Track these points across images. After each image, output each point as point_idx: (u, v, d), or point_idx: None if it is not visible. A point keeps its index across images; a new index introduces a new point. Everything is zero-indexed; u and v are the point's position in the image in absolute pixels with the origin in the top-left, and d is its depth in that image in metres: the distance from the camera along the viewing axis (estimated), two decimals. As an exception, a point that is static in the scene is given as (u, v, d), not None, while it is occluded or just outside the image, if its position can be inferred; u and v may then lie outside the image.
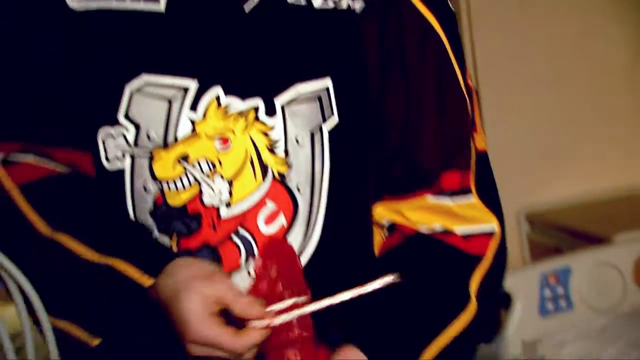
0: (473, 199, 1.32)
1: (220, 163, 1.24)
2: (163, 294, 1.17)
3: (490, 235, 1.33)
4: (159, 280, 1.18)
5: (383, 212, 1.35)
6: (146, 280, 1.19)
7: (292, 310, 1.17)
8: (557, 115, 3.08)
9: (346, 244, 1.32)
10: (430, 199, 1.32)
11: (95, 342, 1.22)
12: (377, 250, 1.36)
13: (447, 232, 1.32)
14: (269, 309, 1.17)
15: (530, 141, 3.06)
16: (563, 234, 2.96)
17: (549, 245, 2.99)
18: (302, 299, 1.18)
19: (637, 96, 3.13)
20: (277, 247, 1.25)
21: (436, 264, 1.29)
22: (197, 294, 1.14)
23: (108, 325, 1.22)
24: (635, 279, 2.69)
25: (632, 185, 3.11)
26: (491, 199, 1.35)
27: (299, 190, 1.27)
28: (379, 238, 1.37)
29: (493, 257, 1.31)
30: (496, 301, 1.36)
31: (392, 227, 1.36)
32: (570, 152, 3.10)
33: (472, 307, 1.29)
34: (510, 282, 2.64)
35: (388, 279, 1.10)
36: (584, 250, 2.73)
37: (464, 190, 1.32)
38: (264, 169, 1.26)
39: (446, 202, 1.32)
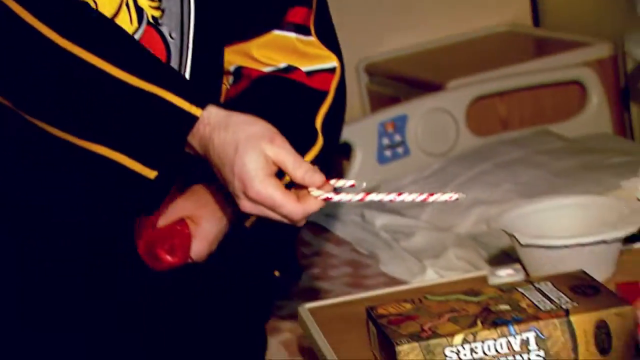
0: (312, 38, 1.36)
1: (95, 3, 1.22)
2: (218, 147, 1.16)
3: (332, 72, 1.37)
4: (212, 132, 1.17)
5: (231, 58, 1.37)
6: (196, 110, 1.18)
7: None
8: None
9: (214, 90, 1.35)
10: (276, 32, 1.36)
11: (153, 174, 1.19)
12: (222, 98, 1.38)
13: (292, 69, 1.36)
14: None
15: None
16: (400, 83, 3.03)
17: (387, 95, 3.06)
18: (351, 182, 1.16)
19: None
20: None
21: (284, 100, 1.33)
22: (261, 153, 1.14)
23: (162, 156, 1.19)
24: (467, 123, 2.80)
25: (463, 34, 3.18)
26: (331, 40, 1.39)
27: (171, 36, 1.28)
28: (223, 87, 1.40)
29: (335, 93, 1.36)
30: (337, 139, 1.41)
31: (238, 74, 1.38)
32: (405, 3, 3.15)
33: (319, 142, 1.34)
34: (350, 132, 2.71)
35: (452, 195, 1.07)
36: (419, 98, 2.82)
37: (306, 28, 1.36)
38: (139, 12, 1.26)
39: (291, 35, 1.36)
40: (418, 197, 1.01)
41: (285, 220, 1.15)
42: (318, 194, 1.14)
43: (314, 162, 1.30)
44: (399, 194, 1.03)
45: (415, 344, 1.16)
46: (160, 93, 1.19)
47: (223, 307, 1.37)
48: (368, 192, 1.07)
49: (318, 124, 1.34)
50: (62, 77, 1.19)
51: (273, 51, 1.36)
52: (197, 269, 1.31)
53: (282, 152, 1.15)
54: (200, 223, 1.30)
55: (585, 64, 2.79)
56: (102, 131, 1.19)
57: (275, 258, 1.41)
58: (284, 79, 1.35)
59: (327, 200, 1.14)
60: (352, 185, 1.14)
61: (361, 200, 1.07)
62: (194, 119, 1.17)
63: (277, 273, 1.43)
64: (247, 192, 1.14)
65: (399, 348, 1.16)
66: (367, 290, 1.54)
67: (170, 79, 1.22)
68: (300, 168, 1.14)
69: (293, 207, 1.13)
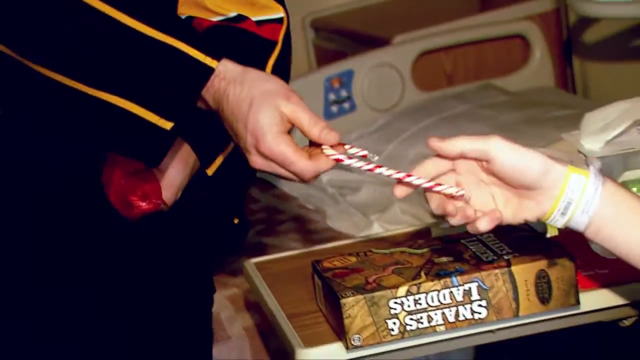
0: None
1: None
2: (233, 102, 1.15)
3: (279, 22, 1.38)
4: (228, 86, 1.16)
5: (183, 9, 1.37)
6: (211, 61, 1.17)
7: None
8: None
9: None
10: None
11: (169, 125, 1.19)
12: None
13: (242, 19, 1.36)
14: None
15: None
16: (346, 38, 3.03)
17: (333, 50, 3.05)
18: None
19: None
20: None
21: (235, 49, 1.33)
22: (276, 110, 1.14)
23: (178, 107, 1.19)
24: (413, 78, 2.81)
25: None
26: None
27: None
28: None
29: (282, 42, 1.37)
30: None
31: (189, 24, 1.38)
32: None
33: None
34: (297, 88, 2.65)
35: (459, 190, 1.05)
36: (365, 53, 2.81)
37: None
38: None
39: None
40: (425, 184, 1.02)
41: (295, 178, 1.16)
42: (331, 153, 1.13)
43: None
44: (408, 175, 1.03)
45: (360, 297, 1.17)
46: (176, 44, 1.19)
47: (184, 254, 1.38)
48: (379, 165, 1.08)
49: (268, 73, 1.35)
50: (77, 27, 1.19)
51: (225, 2, 1.36)
52: (163, 216, 1.31)
53: (299, 110, 1.14)
54: (165, 170, 1.31)
55: (528, 17, 2.81)
56: (117, 81, 1.19)
57: (235, 206, 1.42)
58: (235, 28, 1.36)
59: (338, 161, 1.13)
60: (364, 156, 1.14)
61: (370, 170, 1.07)
62: (210, 70, 1.18)
63: (236, 220, 1.44)
64: (259, 148, 1.14)
65: (343, 301, 1.17)
66: (314, 245, 1.56)
67: (186, 31, 1.22)
68: (317, 126, 1.14)
69: (305, 165, 1.14)
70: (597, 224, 0.99)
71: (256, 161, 1.16)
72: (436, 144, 1.00)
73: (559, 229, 1.04)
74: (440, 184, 1.03)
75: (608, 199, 0.99)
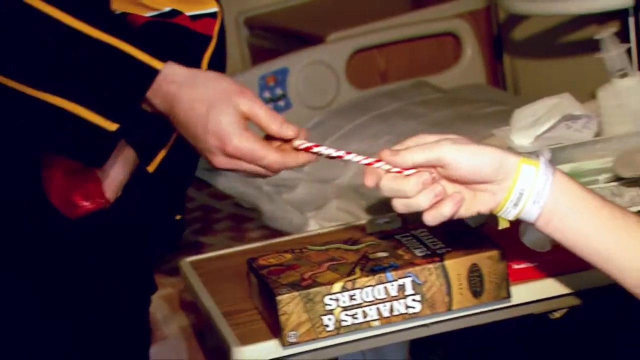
0: None
1: None
2: (187, 105, 1.15)
3: (214, 16, 1.37)
4: (180, 89, 1.16)
5: (116, 5, 1.36)
6: (157, 63, 1.16)
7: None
8: None
9: None
10: None
11: (114, 127, 1.18)
12: None
13: (176, 13, 1.35)
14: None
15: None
16: (281, 36, 3.03)
17: (268, 48, 3.06)
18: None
19: None
20: None
21: (170, 45, 1.32)
22: (235, 108, 1.13)
23: (123, 108, 1.18)
24: (347, 76, 2.82)
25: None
26: None
27: None
28: None
29: (217, 37, 1.37)
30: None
31: (122, 20, 1.37)
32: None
33: None
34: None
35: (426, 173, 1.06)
36: (299, 51, 2.82)
37: None
38: None
39: None
40: (393, 169, 1.02)
41: (262, 172, 1.16)
42: (300, 143, 1.14)
43: None
44: (377, 161, 1.03)
45: (295, 293, 1.18)
46: (121, 46, 1.18)
47: (126, 252, 1.37)
48: (349, 151, 1.08)
49: (204, 68, 1.35)
50: (18, 27, 1.17)
51: None
52: (104, 214, 1.31)
53: (256, 106, 1.15)
54: (105, 168, 1.30)
55: (459, 15, 2.84)
56: (61, 83, 1.18)
57: (177, 203, 1.42)
58: (169, 23, 1.35)
59: (307, 150, 1.14)
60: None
61: (340, 157, 1.07)
62: (154, 72, 1.17)
63: (178, 217, 1.44)
64: (225, 148, 1.15)
65: (279, 298, 1.18)
66: (250, 243, 1.56)
67: (128, 32, 1.21)
68: (275, 120, 1.15)
69: (274, 157, 1.14)
70: (548, 215, 1.00)
71: (220, 161, 1.16)
72: (388, 158, 1.01)
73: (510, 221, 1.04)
74: (405, 169, 1.02)
75: (558, 190, 1.00)
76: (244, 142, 1.14)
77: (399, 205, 1.00)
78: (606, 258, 1.00)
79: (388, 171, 1.01)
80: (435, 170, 1.00)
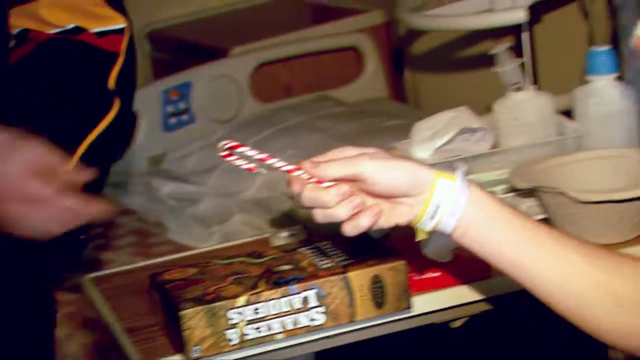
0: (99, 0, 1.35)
1: None
2: None
3: (120, 32, 1.36)
4: None
5: (16, 21, 1.33)
6: None
7: None
8: None
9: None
10: None
11: None
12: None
13: (81, 30, 1.33)
14: None
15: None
16: (183, 50, 3.02)
17: (171, 61, 3.04)
18: None
19: None
20: None
21: (73, 63, 1.31)
22: (18, 157, 1.13)
23: None
24: (251, 89, 2.83)
25: (245, 0, 3.20)
26: (117, 3, 1.38)
27: None
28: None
29: (125, 54, 1.35)
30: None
31: (23, 37, 1.35)
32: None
33: (115, 105, 1.33)
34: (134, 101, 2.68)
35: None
36: (203, 65, 2.82)
37: None
38: None
39: None
40: (312, 178, 1.02)
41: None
42: (225, 143, 1.08)
43: (113, 128, 1.30)
44: (298, 169, 1.02)
45: (199, 308, 1.18)
46: None
47: (29, 273, 1.35)
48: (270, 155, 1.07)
49: (111, 85, 1.34)
50: None
51: (62, 12, 1.34)
52: (7, 233, 1.28)
53: (43, 152, 1.16)
54: None
55: (360, 30, 2.88)
56: None
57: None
58: (72, 40, 1.34)
59: (232, 148, 1.07)
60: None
61: (263, 160, 1.04)
62: None
63: (83, 236, 1.42)
64: (19, 192, 1.15)
65: (182, 312, 1.17)
66: (154, 258, 1.55)
67: None
68: (68, 161, 1.17)
69: (79, 202, 1.15)
70: (464, 227, 1.02)
71: (11, 209, 1.16)
72: (309, 170, 1.02)
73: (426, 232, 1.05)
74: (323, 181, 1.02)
75: (473, 203, 1.02)
76: (29, 186, 1.15)
77: (319, 216, 1.01)
78: (519, 268, 1.02)
79: (308, 180, 1.02)
80: (354, 184, 1.02)
